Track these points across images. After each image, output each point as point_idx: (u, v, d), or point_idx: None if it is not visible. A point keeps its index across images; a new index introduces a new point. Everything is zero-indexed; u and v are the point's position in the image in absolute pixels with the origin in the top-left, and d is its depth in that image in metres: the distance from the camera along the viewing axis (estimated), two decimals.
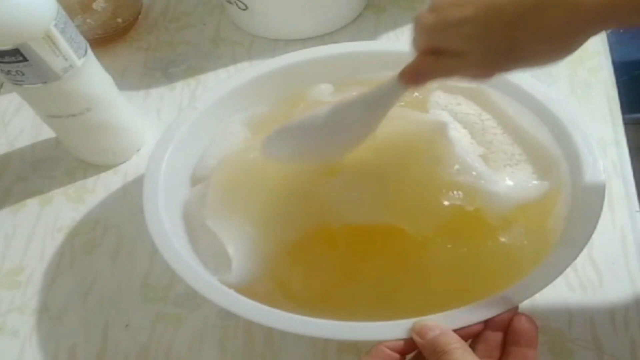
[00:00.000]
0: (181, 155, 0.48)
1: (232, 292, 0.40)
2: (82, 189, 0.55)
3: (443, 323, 0.35)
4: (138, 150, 0.57)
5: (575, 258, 0.37)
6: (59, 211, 0.54)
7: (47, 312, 0.48)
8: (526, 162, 0.46)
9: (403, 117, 0.47)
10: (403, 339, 0.35)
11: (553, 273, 0.37)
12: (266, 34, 0.65)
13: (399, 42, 0.62)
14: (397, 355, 0.35)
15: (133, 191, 0.54)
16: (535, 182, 0.45)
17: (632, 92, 0.63)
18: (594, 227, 0.38)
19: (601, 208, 0.39)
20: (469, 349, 0.33)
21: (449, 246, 0.42)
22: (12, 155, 0.59)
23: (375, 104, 0.40)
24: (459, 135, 0.47)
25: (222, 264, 0.43)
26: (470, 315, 0.36)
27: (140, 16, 0.67)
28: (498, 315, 0.35)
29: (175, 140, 0.47)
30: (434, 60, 0.36)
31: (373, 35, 0.64)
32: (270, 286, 0.42)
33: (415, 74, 0.37)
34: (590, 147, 0.42)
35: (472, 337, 0.36)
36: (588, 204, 0.40)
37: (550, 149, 0.45)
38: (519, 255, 0.41)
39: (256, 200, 0.45)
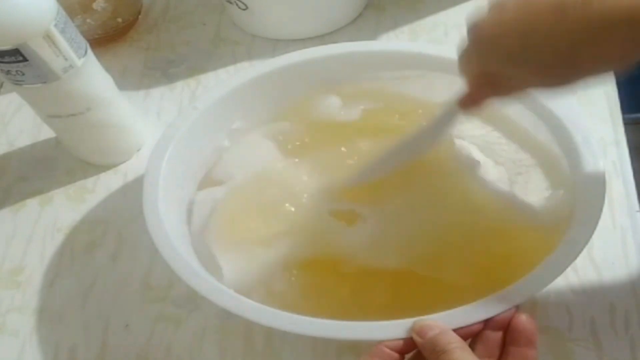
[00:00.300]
0: (181, 155, 0.48)
1: (232, 292, 0.40)
2: (82, 189, 0.55)
3: (442, 322, 0.35)
4: (138, 150, 0.57)
5: (575, 258, 0.37)
6: (59, 211, 0.54)
7: (47, 312, 0.48)
8: (535, 167, 0.47)
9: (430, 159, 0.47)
10: (402, 339, 0.35)
11: (553, 273, 0.37)
12: (266, 34, 0.65)
13: (399, 42, 0.62)
14: (396, 355, 0.35)
15: (133, 191, 0.54)
16: (557, 194, 0.45)
17: (632, 92, 0.63)
18: (594, 227, 0.38)
19: (601, 208, 0.39)
20: (469, 349, 0.33)
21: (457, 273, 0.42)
22: (12, 155, 0.59)
23: (437, 133, 0.43)
24: (485, 169, 0.47)
25: (216, 263, 0.43)
26: (470, 315, 0.36)
27: (140, 16, 0.67)
28: (498, 315, 0.35)
29: (175, 140, 0.47)
30: (488, 85, 0.37)
31: (373, 35, 0.64)
32: (266, 296, 0.42)
33: (473, 102, 0.39)
34: (591, 147, 0.42)
35: (471, 336, 0.36)
36: (588, 204, 0.40)
37: (551, 150, 0.45)
38: (519, 255, 0.41)
39: (265, 227, 0.45)
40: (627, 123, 0.53)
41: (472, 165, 0.46)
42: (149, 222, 0.43)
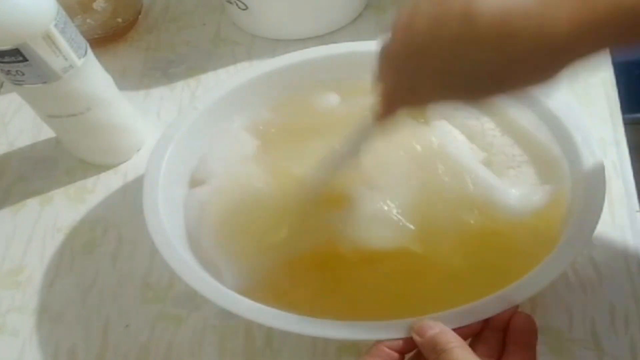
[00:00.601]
0: (181, 155, 0.48)
1: (232, 292, 0.40)
2: (82, 189, 0.55)
3: (442, 322, 0.35)
4: (138, 150, 0.57)
5: (575, 258, 0.37)
6: (59, 211, 0.54)
7: (47, 312, 0.48)
8: (528, 164, 0.46)
9: (404, 139, 0.46)
10: (402, 338, 0.35)
11: (553, 273, 0.37)
12: (266, 34, 0.65)
13: None
14: (396, 354, 0.35)
15: (133, 191, 0.54)
16: (542, 187, 0.45)
17: (632, 92, 0.63)
18: (594, 227, 0.38)
19: (601, 208, 0.39)
20: (468, 348, 0.33)
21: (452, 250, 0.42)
22: (12, 155, 0.59)
23: (357, 147, 0.41)
24: (459, 146, 0.47)
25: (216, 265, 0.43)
26: (470, 315, 0.36)
27: (140, 16, 0.67)
28: (498, 315, 0.35)
29: (175, 140, 0.47)
30: (400, 99, 0.35)
31: (373, 35, 0.64)
32: (268, 296, 0.42)
33: (384, 115, 0.37)
34: (591, 147, 0.42)
35: (471, 336, 0.36)
36: (588, 204, 0.40)
37: (551, 149, 0.46)
38: (519, 254, 0.41)
39: (258, 224, 0.45)
40: (627, 123, 0.53)
41: (455, 149, 0.46)
42: (149, 222, 0.43)
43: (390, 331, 0.36)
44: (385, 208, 0.44)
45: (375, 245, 0.42)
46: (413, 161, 0.46)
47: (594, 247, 0.46)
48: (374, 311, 0.41)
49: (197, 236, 0.45)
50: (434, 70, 0.31)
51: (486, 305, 0.36)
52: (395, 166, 0.45)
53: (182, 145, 0.48)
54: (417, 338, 0.34)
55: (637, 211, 0.47)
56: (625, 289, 0.44)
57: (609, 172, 0.49)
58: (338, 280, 0.42)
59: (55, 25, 0.44)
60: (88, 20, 0.64)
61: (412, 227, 0.43)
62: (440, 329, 0.34)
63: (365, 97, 0.51)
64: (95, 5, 0.65)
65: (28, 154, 0.58)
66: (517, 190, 0.44)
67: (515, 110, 0.48)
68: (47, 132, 0.58)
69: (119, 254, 0.50)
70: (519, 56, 0.29)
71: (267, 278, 0.43)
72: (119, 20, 0.64)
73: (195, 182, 0.49)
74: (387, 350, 0.35)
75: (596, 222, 0.39)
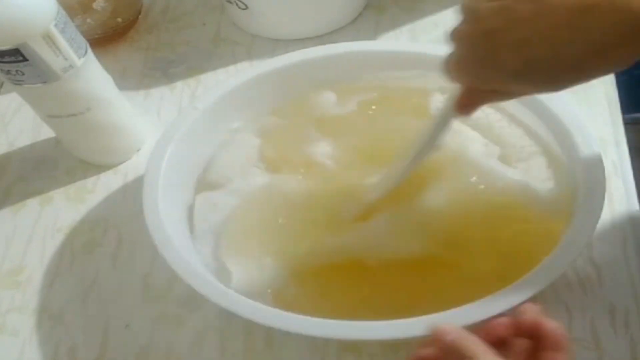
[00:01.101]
0: (181, 155, 0.48)
1: (232, 292, 0.40)
2: (82, 189, 0.55)
3: (441, 322, 0.34)
4: (138, 150, 0.57)
5: (575, 258, 0.37)
6: (59, 211, 0.54)
7: (47, 312, 0.48)
8: (538, 154, 0.46)
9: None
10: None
11: (553, 273, 0.37)
12: (266, 34, 0.65)
13: (398, 42, 0.62)
14: None
15: (133, 191, 0.54)
16: (556, 188, 0.45)
17: (632, 92, 0.63)
18: (594, 227, 0.38)
19: (601, 208, 0.39)
20: (491, 352, 0.32)
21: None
22: (12, 155, 0.59)
23: (434, 138, 0.41)
24: (476, 147, 0.47)
25: (223, 267, 0.43)
26: (470, 315, 0.36)
27: (140, 16, 0.67)
28: (525, 321, 0.34)
29: (175, 140, 0.47)
30: (485, 94, 0.35)
31: (373, 35, 0.64)
32: (268, 296, 0.42)
33: (468, 108, 0.36)
34: (591, 147, 0.42)
35: (492, 341, 0.35)
36: (588, 204, 0.40)
37: (551, 149, 0.46)
38: (519, 255, 0.41)
39: (280, 244, 0.45)
40: (627, 123, 0.53)
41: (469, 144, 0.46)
42: (149, 222, 0.43)
43: (391, 331, 0.36)
44: (406, 218, 0.44)
45: (399, 255, 0.42)
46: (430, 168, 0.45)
47: (594, 247, 0.46)
48: (375, 312, 0.41)
49: (209, 238, 0.45)
50: (530, 68, 0.30)
51: (486, 305, 0.36)
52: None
53: (182, 145, 0.48)
54: (438, 341, 0.33)
55: (637, 211, 0.47)
56: (625, 289, 0.44)
57: (609, 172, 0.49)
58: (357, 285, 0.43)
59: (55, 25, 0.44)
60: (88, 20, 0.64)
61: (436, 235, 0.43)
62: (459, 333, 0.33)
63: (365, 96, 0.51)
64: (95, 5, 0.65)
65: (28, 154, 0.58)
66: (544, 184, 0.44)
67: (515, 109, 0.48)
68: (47, 132, 0.58)
69: (119, 254, 0.50)
70: (598, 33, 0.27)
71: (273, 281, 0.43)
72: (119, 20, 0.64)
73: (204, 186, 0.49)
74: None
75: (596, 222, 0.39)
